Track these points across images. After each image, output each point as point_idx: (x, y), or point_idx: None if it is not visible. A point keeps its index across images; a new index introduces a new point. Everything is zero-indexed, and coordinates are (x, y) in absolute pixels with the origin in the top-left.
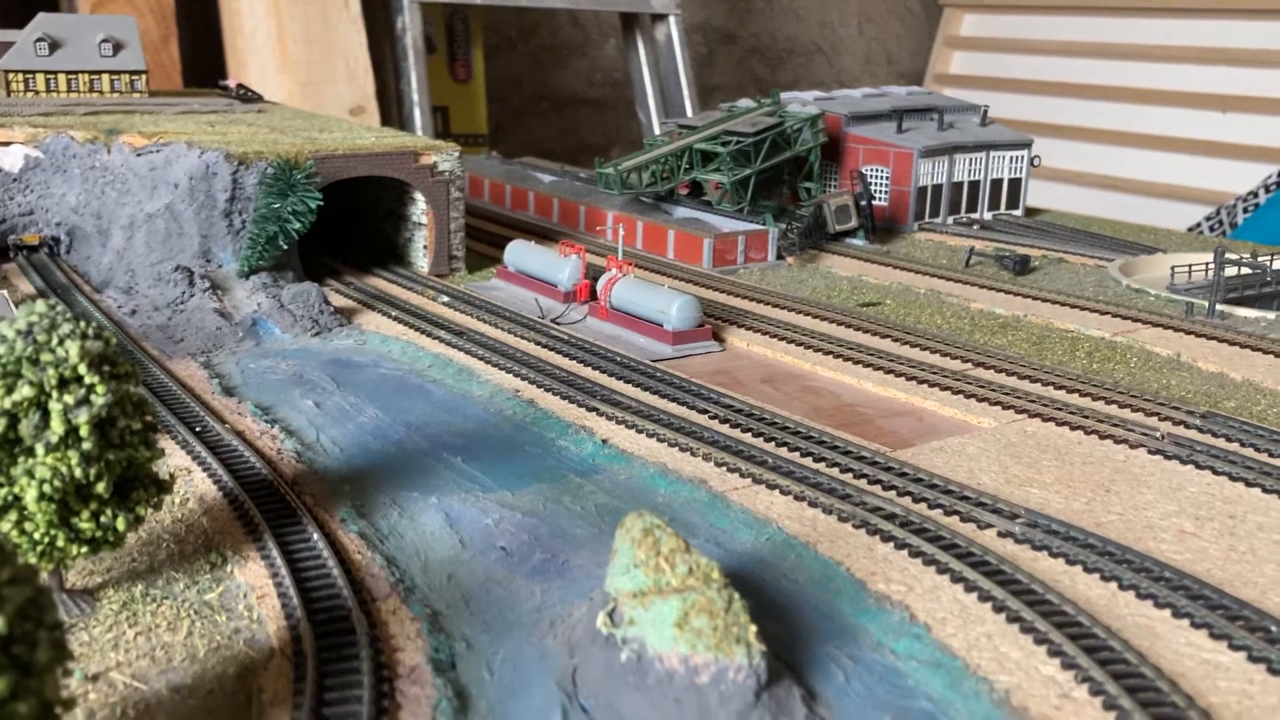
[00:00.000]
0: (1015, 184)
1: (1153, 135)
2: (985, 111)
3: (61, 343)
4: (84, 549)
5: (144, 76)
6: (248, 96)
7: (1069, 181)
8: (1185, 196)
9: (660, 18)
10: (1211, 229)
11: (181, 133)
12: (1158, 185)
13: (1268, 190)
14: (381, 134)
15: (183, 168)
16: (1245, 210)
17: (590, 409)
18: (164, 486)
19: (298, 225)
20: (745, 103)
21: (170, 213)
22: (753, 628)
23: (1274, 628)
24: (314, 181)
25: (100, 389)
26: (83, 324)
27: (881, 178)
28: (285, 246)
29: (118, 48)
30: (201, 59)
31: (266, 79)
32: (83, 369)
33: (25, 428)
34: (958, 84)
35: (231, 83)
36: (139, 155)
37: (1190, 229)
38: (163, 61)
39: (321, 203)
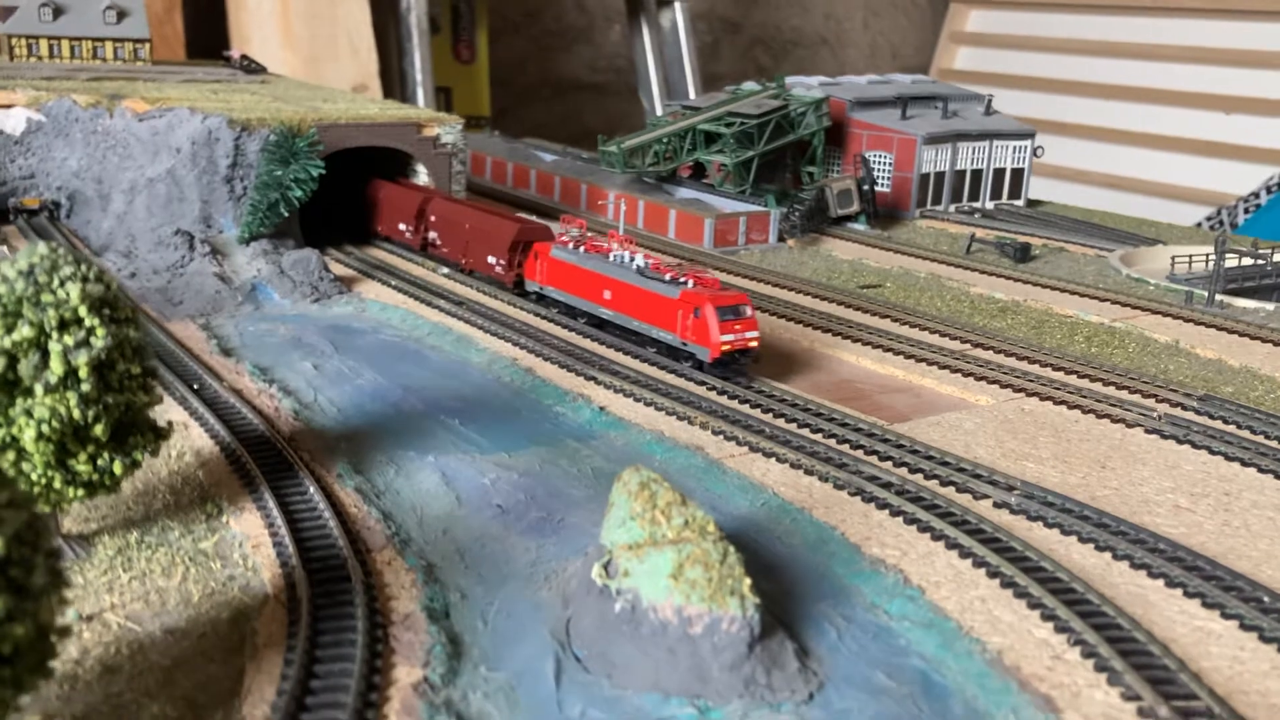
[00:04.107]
0: (1018, 174)
1: (1156, 135)
2: (989, 101)
3: (63, 284)
4: (80, 492)
5: (147, 45)
6: (251, 67)
7: (1072, 179)
8: (1187, 196)
9: (666, 3)
10: (1212, 229)
11: (185, 99)
12: (1160, 185)
13: (1269, 191)
14: (385, 105)
15: (185, 133)
16: (1246, 211)
17: (588, 377)
18: (161, 433)
19: (299, 193)
20: (750, 85)
21: (172, 177)
22: (747, 580)
23: (1266, 598)
24: (316, 149)
25: (100, 331)
26: (84, 267)
27: (885, 164)
28: (286, 214)
29: (121, 15)
30: (206, 32)
31: (269, 53)
32: (83, 311)
33: (25, 368)
34: (962, 79)
35: (235, 53)
36: (141, 120)
37: (1194, 227)
38: (166, 33)
39: (324, 171)
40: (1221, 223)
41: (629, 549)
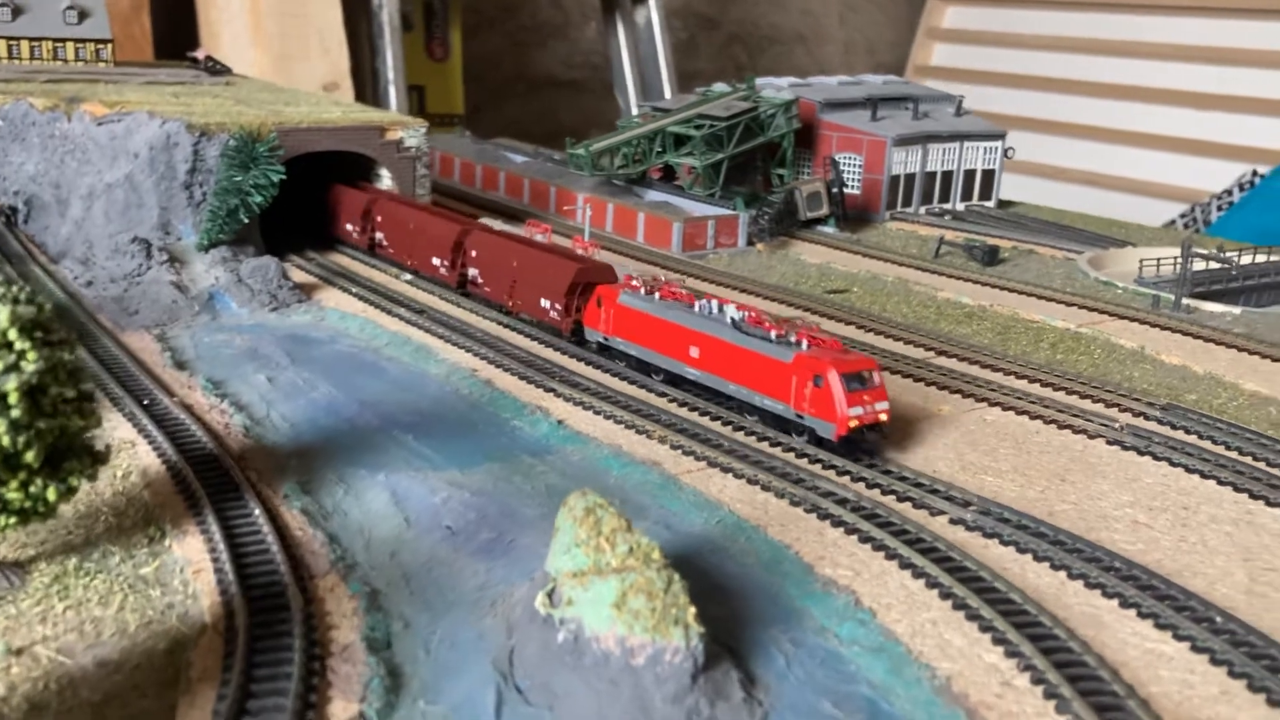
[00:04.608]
0: (989, 175)
1: (1132, 131)
2: (960, 102)
3: None
4: (13, 520)
5: (109, 46)
6: (216, 68)
7: (1049, 176)
8: (1162, 193)
9: (640, 0)
10: (1186, 225)
11: (144, 102)
12: (1136, 181)
13: (1241, 189)
14: (349, 108)
15: (143, 137)
16: (1219, 208)
17: (547, 389)
18: (99, 457)
19: (259, 199)
20: (720, 87)
21: (130, 183)
22: (692, 609)
23: (1219, 619)
24: (277, 154)
25: (31, 355)
26: (14, 288)
27: (854, 166)
28: (246, 220)
29: (83, 15)
30: (175, 31)
31: (240, 52)
32: (13, 334)
33: None
34: (939, 76)
35: (200, 54)
36: (100, 124)
37: (1166, 225)
38: (134, 32)
39: (284, 176)
40: (1195, 219)
41: (573, 577)
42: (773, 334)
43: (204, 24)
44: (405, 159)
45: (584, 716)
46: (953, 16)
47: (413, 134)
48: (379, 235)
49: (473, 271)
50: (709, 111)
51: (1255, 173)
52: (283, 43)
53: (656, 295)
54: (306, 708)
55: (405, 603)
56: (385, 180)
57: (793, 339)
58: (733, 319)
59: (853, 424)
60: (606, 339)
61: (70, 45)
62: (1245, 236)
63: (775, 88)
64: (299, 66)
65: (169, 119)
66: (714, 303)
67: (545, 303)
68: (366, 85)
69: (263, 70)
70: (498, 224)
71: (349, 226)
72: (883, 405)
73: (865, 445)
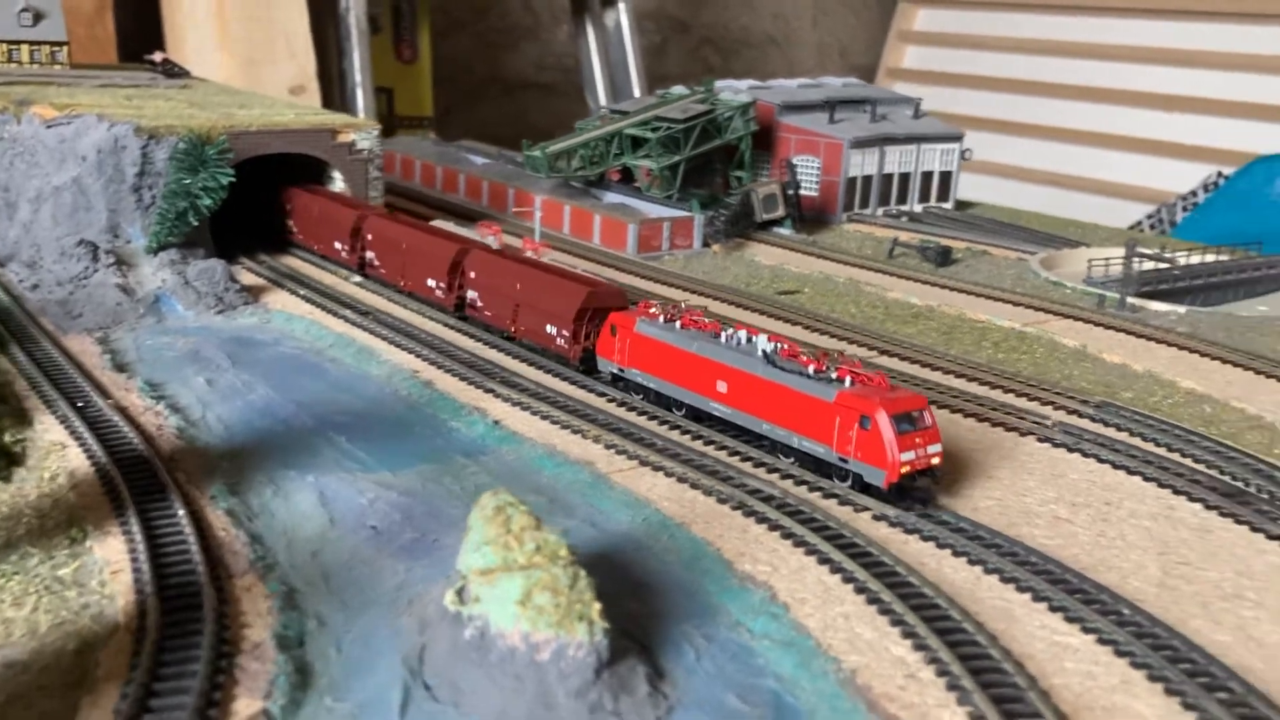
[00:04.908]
0: (946, 176)
1: (1101, 133)
2: (918, 104)
3: None
4: None
5: (65, 48)
6: (173, 71)
7: (1021, 179)
8: (1130, 194)
9: (610, 3)
10: (1152, 227)
11: (96, 105)
12: (1104, 183)
13: (1206, 190)
14: (302, 111)
15: (91, 140)
16: (1184, 209)
17: (487, 390)
18: (14, 459)
19: (209, 201)
20: (679, 89)
21: (78, 186)
22: (596, 605)
23: (1126, 611)
24: (226, 157)
25: None
26: None
27: (812, 168)
28: (195, 223)
29: (38, 17)
30: (139, 33)
31: (205, 56)
32: None
33: None
34: (910, 79)
35: (157, 57)
36: (49, 127)
37: (1132, 226)
38: (97, 34)
39: (234, 179)
40: (1161, 220)
41: (481, 574)
42: (810, 369)
43: (169, 27)
44: (357, 161)
45: (489, 712)
46: (924, 19)
47: (365, 136)
48: (370, 255)
49: (471, 294)
50: (666, 114)
51: (1220, 174)
52: (249, 46)
53: (677, 324)
54: (209, 705)
55: (322, 601)
56: (338, 183)
57: (834, 375)
58: (764, 351)
59: (904, 470)
60: (622, 370)
61: (25, 48)
62: (1210, 237)
63: (734, 90)
64: (265, 70)
65: (118, 122)
66: (742, 333)
67: (551, 329)
68: (334, 88)
69: (229, 74)
70: (449, 225)
71: (337, 245)
72: (935, 448)
73: (917, 493)
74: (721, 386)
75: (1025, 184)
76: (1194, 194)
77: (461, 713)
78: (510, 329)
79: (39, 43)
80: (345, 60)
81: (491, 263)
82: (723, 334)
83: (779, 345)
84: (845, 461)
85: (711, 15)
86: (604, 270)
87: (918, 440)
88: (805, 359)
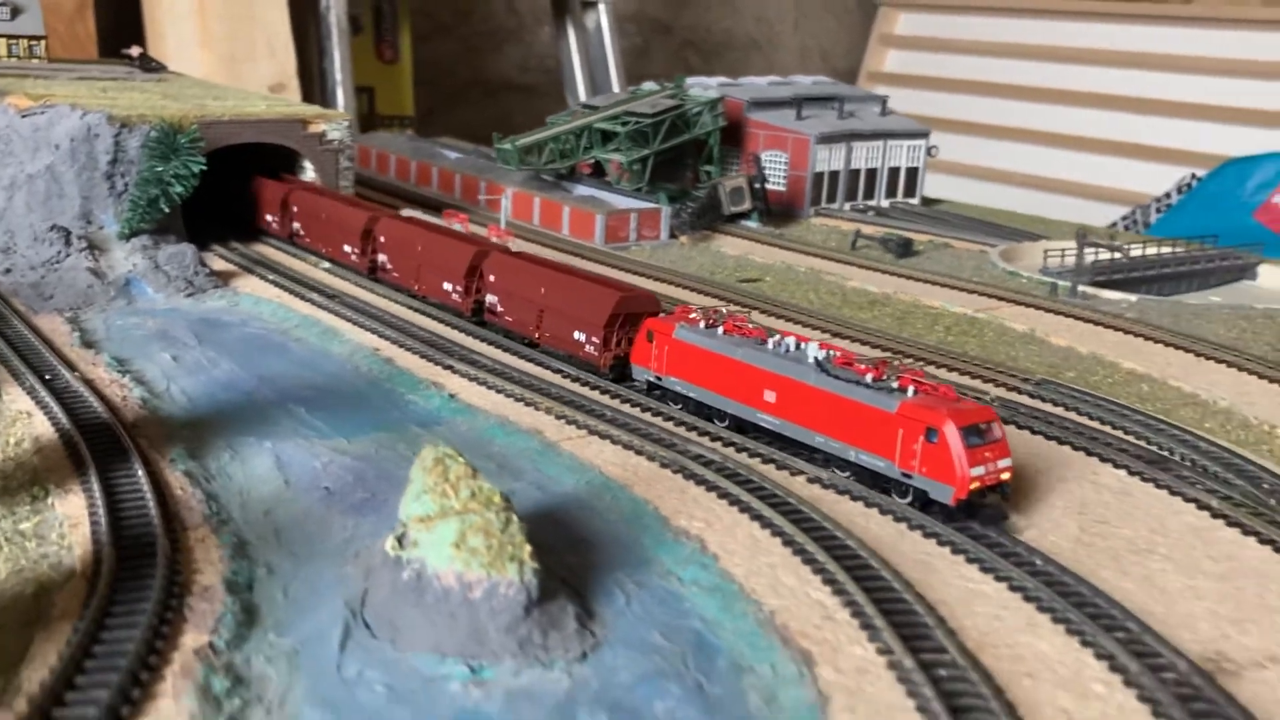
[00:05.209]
0: (913, 173)
1: (1080, 136)
2: (885, 101)
3: None
4: None
5: (43, 42)
6: (151, 66)
7: (1000, 181)
8: (1107, 197)
9: (590, 4)
10: (1127, 228)
11: (71, 96)
12: (1082, 185)
13: (1179, 191)
14: (274, 103)
15: (64, 129)
16: (1158, 210)
17: (446, 367)
18: None
19: (180, 189)
20: (649, 85)
21: (51, 174)
22: (527, 548)
23: (1039, 562)
24: (198, 146)
25: None
26: None
27: (780, 163)
28: (167, 209)
29: (16, 11)
30: (120, 31)
31: (186, 53)
32: None
33: None
34: (892, 82)
35: (134, 52)
36: (24, 117)
37: (1109, 227)
38: (77, 32)
39: (205, 167)
40: (1135, 222)
41: (420, 521)
42: (868, 377)
43: (150, 24)
44: (328, 151)
45: (423, 646)
46: (905, 23)
47: (335, 127)
48: (381, 258)
49: (491, 299)
50: (635, 108)
51: (1193, 176)
52: (230, 44)
53: (720, 330)
54: (157, 637)
55: (272, 552)
56: (309, 173)
57: (895, 384)
58: (817, 359)
59: (974, 485)
60: (659, 378)
61: (3, 42)
62: (1183, 237)
63: (704, 87)
64: (245, 67)
65: (90, 111)
66: (791, 340)
67: (579, 335)
68: (314, 87)
69: (210, 71)
70: (416, 213)
71: (346, 248)
72: (1005, 463)
73: (986, 511)
74: (769, 396)
75: (1006, 186)
76: (1168, 195)
77: (398, 648)
78: (533, 336)
79: (16, 36)
80: (326, 59)
81: (513, 266)
82: (769, 340)
83: (833, 353)
84: (909, 477)
85: (693, 18)
86: (572, 261)
87: (987, 454)
88: (861, 367)
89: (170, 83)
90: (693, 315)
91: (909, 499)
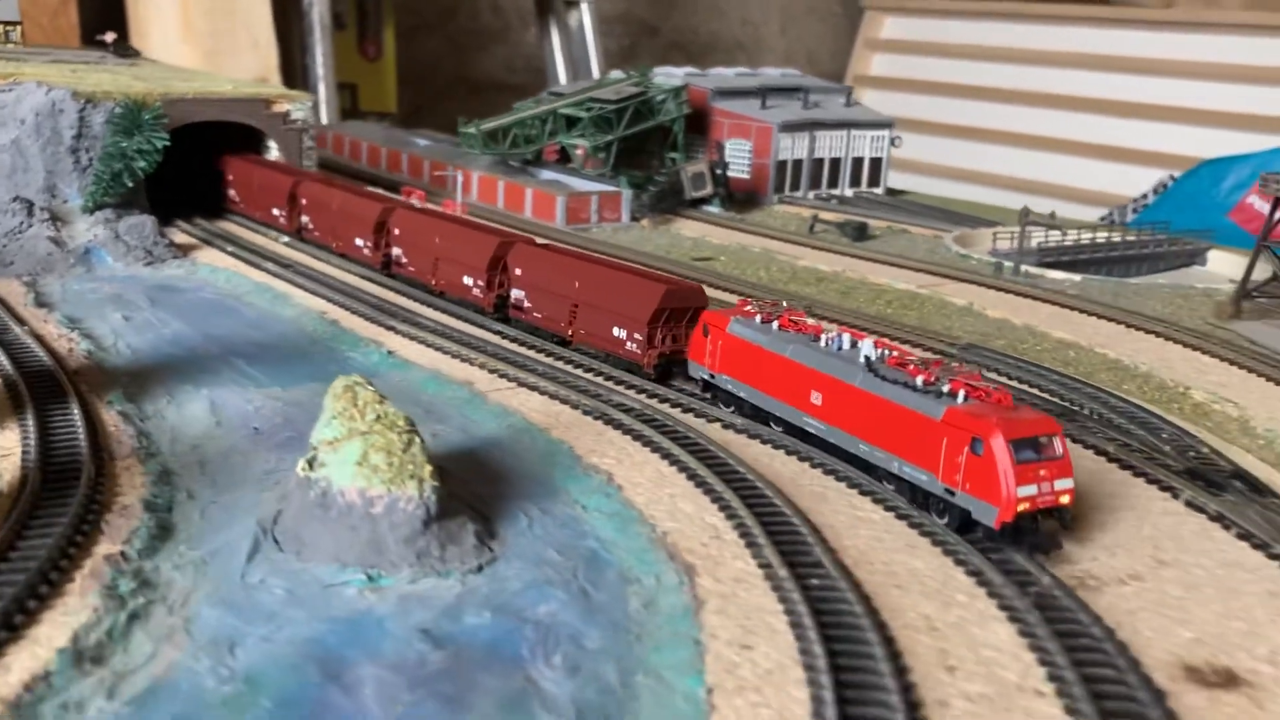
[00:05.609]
0: (876, 163)
1: (1061, 139)
2: (850, 92)
3: None
4: None
5: (18, 28)
6: (125, 52)
7: (982, 182)
8: (1088, 199)
9: (573, 4)
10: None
11: (39, 75)
12: (1066, 188)
13: (1156, 192)
14: (239, 84)
15: (30, 104)
16: (1134, 211)
17: (388, 327)
18: None
19: (143, 164)
20: (616, 74)
21: (16, 148)
22: (428, 467)
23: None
24: (161, 122)
25: None
26: None
27: (744, 151)
28: (130, 184)
29: None
30: (103, 25)
31: (169, 47)
32: None
33: None
34: (878, 85)
35: (108, 38)
36: None
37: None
38: (60, 25)
39: (168, 143)
40: (1114, 223)
41: (329, 444)
42: (919, 380)
43: (133, 19)
44: (292, 131)
45: (325, 557)
46: (890, 27)
47: (299, 107)
48: (396, 251)
49: (517, 294)
50: (599, 95)
51: (1172, 177)
52: (212, 38)
53: (775, 325)
54: (71, 545)
55: (195, 481)
56: (273, 151)
57: (945, 388)
58: (867, 358)
59: (1022, 507)
60: (712, 376)
61: None
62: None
63: (669, 75)
64: (228, 62)
65: (56, 87)
66: (845, 336)
67: (620, 332)
68: (297, 82)
69: (192, 65)
70: (379, 191)
71: (359, 241)
72: (1065, 484)
73: (1038, 540)
74: (816, 398)
75: (989, 188)
76: (1144, 197)
77: (300, 559)
78: (566, 333)
79: None
80: (308, 55)
81: (542, 258)
82: (823, 336)
83: (885, 352)
84: (951, 494)
85: (680, 19)
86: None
87: (1042, 472)
88: (914, 368)
89: (141, 66)
90: (749, 308)
91: (946, 519)
